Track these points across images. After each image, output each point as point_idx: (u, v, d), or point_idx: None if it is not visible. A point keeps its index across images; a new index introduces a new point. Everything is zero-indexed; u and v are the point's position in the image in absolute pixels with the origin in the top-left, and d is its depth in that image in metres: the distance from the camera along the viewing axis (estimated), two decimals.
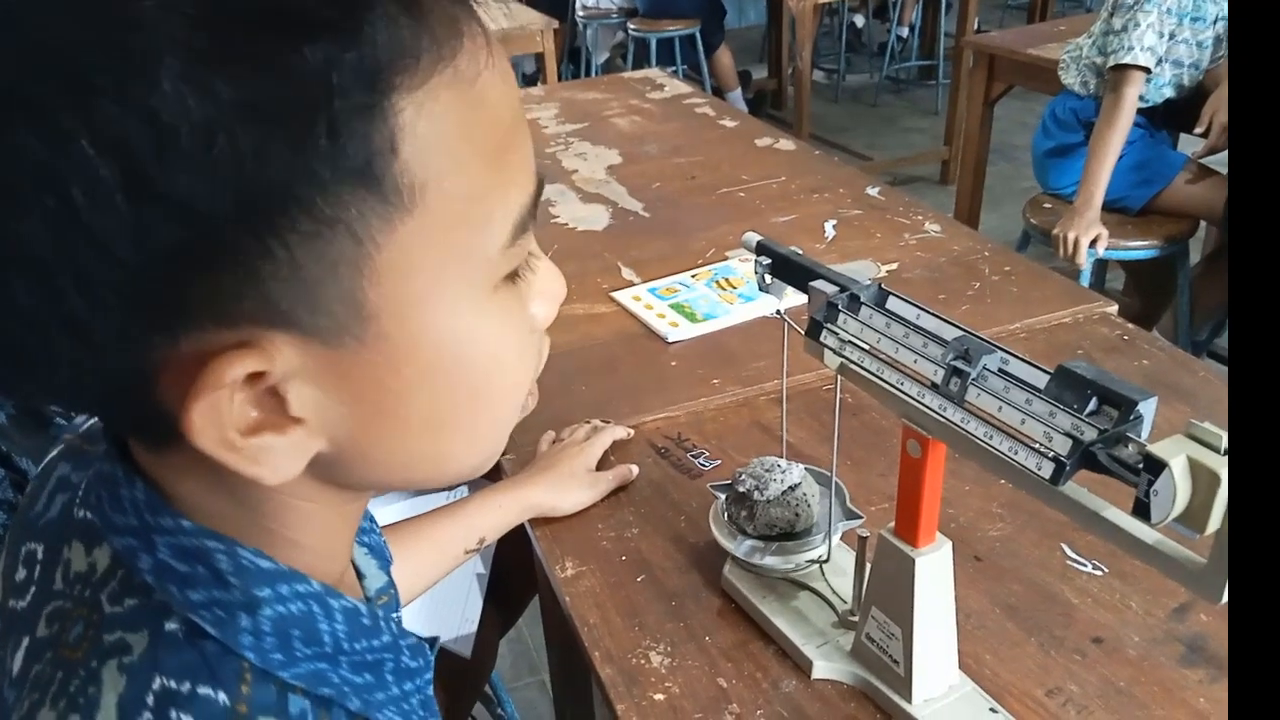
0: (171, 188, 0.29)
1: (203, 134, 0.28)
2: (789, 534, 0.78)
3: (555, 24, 3.30)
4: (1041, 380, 0.52)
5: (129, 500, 0.39)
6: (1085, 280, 2.21)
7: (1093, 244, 2.15)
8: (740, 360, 1.13)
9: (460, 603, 1.12)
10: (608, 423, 1.01)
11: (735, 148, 1.80)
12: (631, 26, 4.53)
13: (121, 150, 0.28)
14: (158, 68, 0.28)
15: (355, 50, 0.30)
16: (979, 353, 0.54)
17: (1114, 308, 1.20)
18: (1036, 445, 0.51)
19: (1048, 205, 2.40)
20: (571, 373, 1.13)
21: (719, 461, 0.97)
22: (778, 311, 0.72)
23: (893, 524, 0.66)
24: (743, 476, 0.79)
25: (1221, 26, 2.13)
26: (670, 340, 1.18)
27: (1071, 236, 2.15)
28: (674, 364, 1.14)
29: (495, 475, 0.99)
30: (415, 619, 1.07)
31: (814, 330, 0.65)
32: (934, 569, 0.66)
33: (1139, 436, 0.47)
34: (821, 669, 0.73)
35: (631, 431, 1.01)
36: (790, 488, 0.78)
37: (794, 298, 0.69)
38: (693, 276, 1.32)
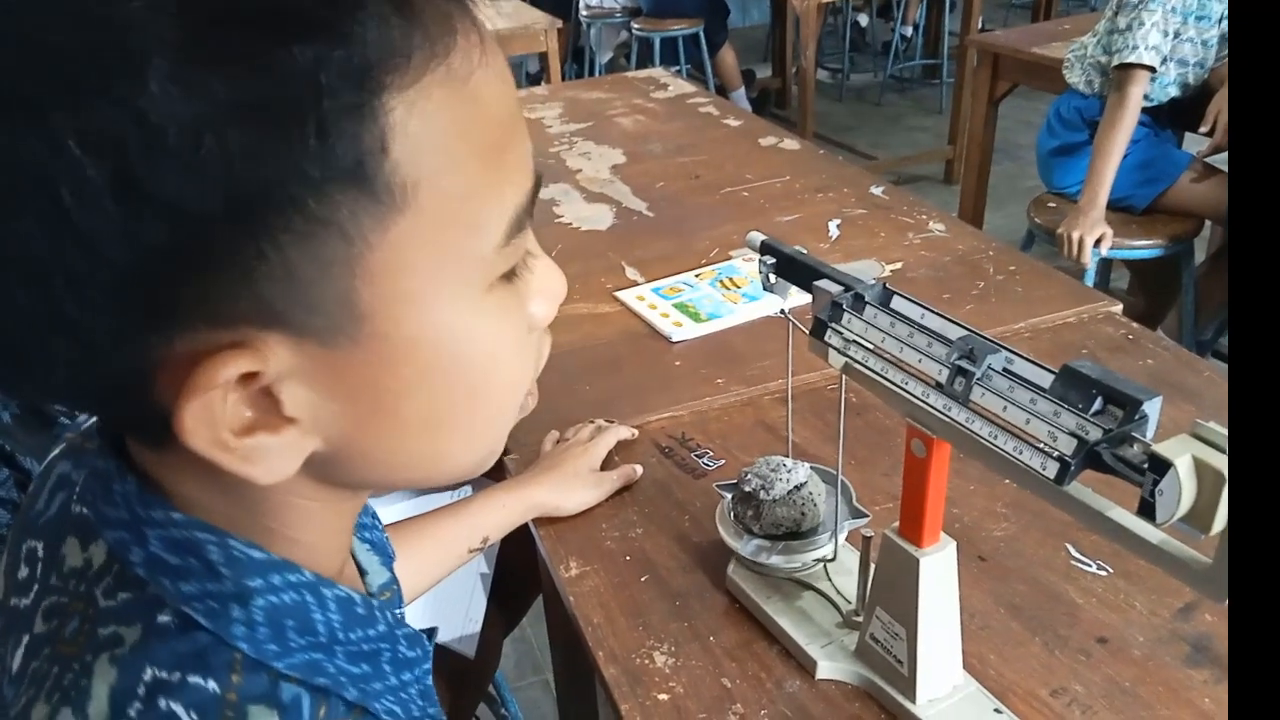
0: (160, 188, 0.29)
1: (191, 134, 0.28)
2: (795, 533, 0.78)
3: (559, 23, 3.30)
4: (1046, 380, 0.52)
5: (120, 494, 0.39)
6: (1090, 280, 2.21)
7: (1097, 243, 2.15)
8: (744, 360, 1.13)
9: (464, 602, 1.12)
10: (612, 422, 1.01)
11: (739, 147, 1.80)
12: (635, 26, 4.53)
13: (109, 150, 0.28)
14: (145, 68, 0.28)
15: (344, 49, 0.30)
16: (984, 352, 0.54)
17: (1119, 307, 1.20)
18: (1041, 445, 0.51)
19: (1052, 204, 2.40)
20: (575, 372, 1.13)
21: (723, 461, 0.97)
22: (782, 311, 0.72)
23: (897, 524, 0.66)
24: (748, 476, 0.79)
25: (1226, 25, 2.12)
26: (674, 340, 1.18)
27: (1076, 236, 2.15)
28: (678, 364, 1.14)
29: (499, 475, 0.99)
30: (419, 618, 1.07)
31: (818, 330, 0.65)
32: (938, 569, 0.66)
33: (1144, 436, 0.47)
34: (826, 669, 0.73)
35: (636, 431, 1.01)
36: (796, 487, 0.78)
37: (798, 297, 0.69)
38: (697, 276, 1.32)
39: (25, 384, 0.36)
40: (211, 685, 0.36)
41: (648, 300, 1.26)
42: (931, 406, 0.58)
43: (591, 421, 1.02)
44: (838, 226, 1.45)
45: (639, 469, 0.95)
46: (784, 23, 4.94)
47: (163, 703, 0.36)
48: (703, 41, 4.49)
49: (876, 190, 1.56)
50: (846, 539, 0.81)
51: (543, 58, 3.38)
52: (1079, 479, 0.51)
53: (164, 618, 0.38)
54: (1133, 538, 0.50)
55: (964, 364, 0.55)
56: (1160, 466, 0.45)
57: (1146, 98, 2.13)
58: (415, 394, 0.37)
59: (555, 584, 0.86)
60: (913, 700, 0.68)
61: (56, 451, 0.48)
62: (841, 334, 0.63)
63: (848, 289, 0.63)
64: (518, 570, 1.16)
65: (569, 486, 0.91)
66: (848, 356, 0.63)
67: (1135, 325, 1.16)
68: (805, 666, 0.74)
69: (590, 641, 0.78)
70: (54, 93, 0.28)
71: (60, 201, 0.28)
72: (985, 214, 3.19)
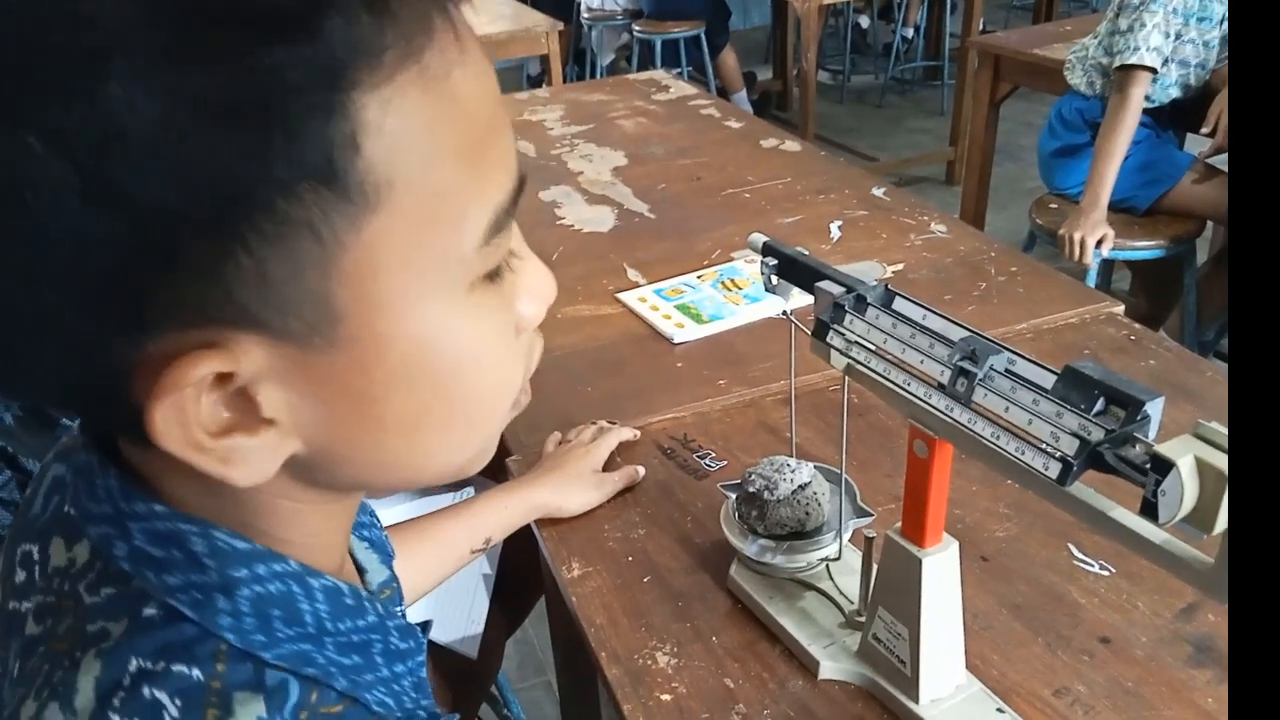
0: (124, 189, 0.28)
1: (154, 134, 0.28)
2: (799, 533, 0.78)
3: (560, 26, 3.30)
4: (1048, 380, 0.52)
5: (103, 489, 0.39)
6: (1092, 281, 2.21)
7: (1099, 244, 2.14)
8: (746, 361, 1.13)
9: (466, 604, 1.12)
10: (614, 424, 1.01)
11: (740, 149, 1.80)
12: (636, 28, 4.53)
13: (72, 151, 0.28)
14: (106, 67, 0.28)
15: (312, 47, 0.30)
16: (986, 353, 0.54)
17: (1120, 308, 1.20)
18: (1043, 445, 0.51)
19: (1054, 205, 2.40)
20: (577, 374, 1.13)
21: (725, 462, 0.97)
22: (784, 312, 0.72)
23: (899, 524, 0.66)
24: (752, 476, 0.79)
25: (1228, 26, 2.12)
26: (676, 341, 1.18)
27: (1078, 237, 2.15)
28: (680, 365, 1.14)
29: (501, 476, 0.99)
30: (420, 618, 1.07)
31: (820, 331, 0.65)
32: (941, 569, 0.66)
33: (1146, 436, 0.47)
34: (828, 669, 0.73)
35: (638, 433, 1.01)
36: (800, 487, 0.78)
37: (800, 298, 0.69)
38: (698, 277, 1.32)
39: (6, 382, 0.35)
40: (196, 673, 0.36)
41: (649, 302, 1.26)
42: (934, 407, 0.58)
43: (594, 423, 1.02)
44: (839, 228, 1.45)
45: (641, 470, 0.95)
46: (785, 25, 4.94)
47: (147, 691, 0.36)
48: (704, 43, 4.48)
49: (878, 192, 1.57)
50: (849, 539, 0.81)
51: (544, 60, 3.38)
52: (1081, 479, 0.51)
53: (149, 610, 0.38)
54: (1135, 538, 0.50)
55: (966, 365, 0.55)
56: (1162, 467, 0.45)
57: (1148, 99, 2.13)
58: (395, 395, 0.37)
59: (557, 585, 0.86)
60: (916, 700, 0.68)
61: (50, 455, 0.48)
62: (843, 335, 0.63)
63: (850, 290, 0.63)
64: (520, 571, 1.16)
65: (571, 488, 0.91)
66: (850, 358, 0.63)
67: (1137, 326, 1.16)
68: (808, 667, 0.74)
69: (593, 642, 0.78)
70: (17, 92, 0.28)
71: (26, 202, 0.28)
72: (987, 215, 3.19)
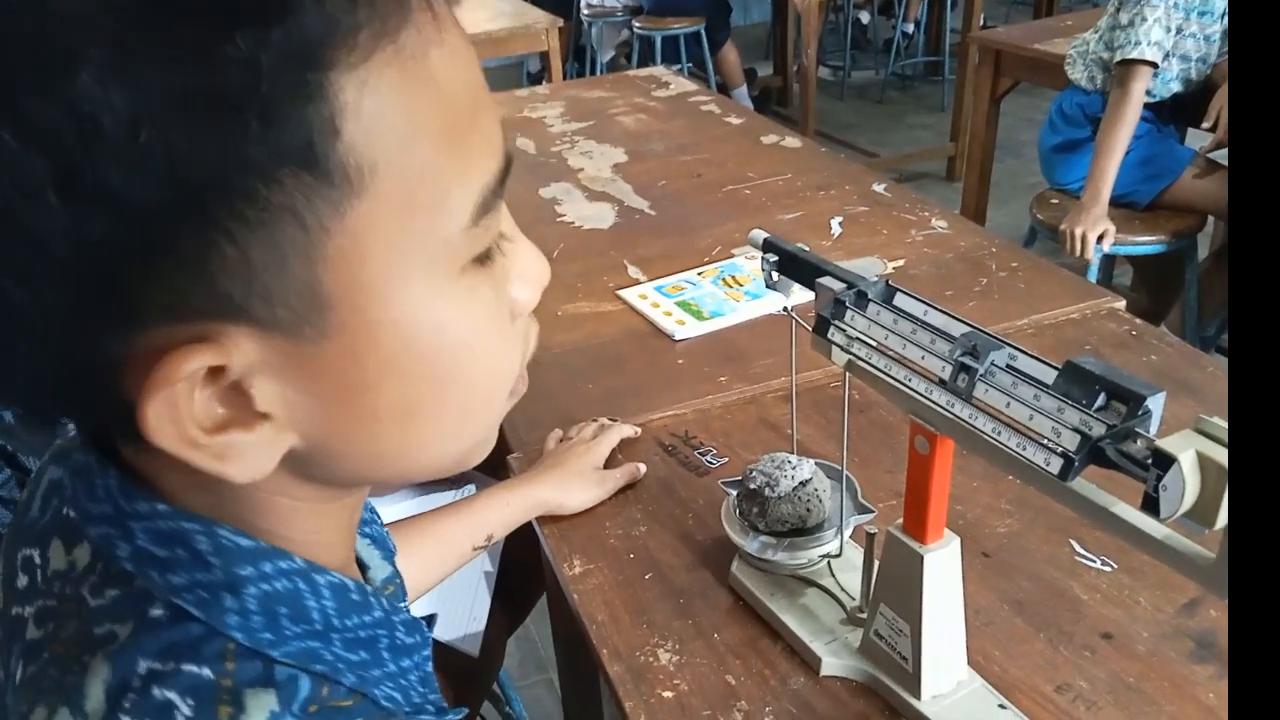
0: (101, 182, 0.28)
1: (127, 126, 0.28)
2: (800, 530, 0.78)
3: (560, 22, 3.30)
4: (1049, 376, 0.52)
5: (103, 488, 0.39)
6: (1093, 276, 2.21)
7: (1100, 239, 2.14)
8: (747, 358, 1.13)
9: (468, 601, 1.12)
10: (615, 421, 1.01)
11: (741, 145, 1.80)
12: (636, 24, 4.52)
13: (47, 145, 0.28)
14: (77, 60, 0.27)
15: (282, 28, 0.29)
16: (987, 348, 0.54)
17: (1122, 303, 1.20)
18: (1045, 441, 0.51)
19: (1055, 201, 2.39)
20: (578, 371, 1.13)
21: (726, 459, 0.97)
22: (785, 309, 0.72)
23: (901, 521, 0.66)
24: (753, 473, 0.79)
25: (1228, 21, 2.12)
26: (677, 338, 1.18)
27: (1079, 232, 2.14)
28: (681, 362, 1.14)
29: (502, 473, 0.99)
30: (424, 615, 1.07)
31: (821, 327, 0.65)
32: (942, 565, 0.66)
33: (1147, 431, 0.47)
34: (830, 666, 0.73)
35: (639, 430, 1.01)
36: (801, 483, 0.78)
37: (801, 295, 0.69)
38: (699, 274, 1.32)
39: None
40: (206, 672, 0.36)
41: (650, 299, 1.26)
42: (935, 403, 0.58)
43: (595, 420, 1.02)
44: (840, 224, 1.45)
45: (642, 467, 0.95)
46: (785, 20, 4.94)
47: (157, 692, 0.35)
48: (704, 39, 4.48)
49: (878, 188, 1.56)
50: (850, 536, 0.81)
51: (544, 57, 3.38)
52: (1083, 475, 0.51)
53: (155, 611, 0.37)
54: (1137, 533, 0.50)
55: (967, 360, 0.55)
56: (1164, 462, 0.45)
57: (1149, 93, 2.13)
58: (389, 384, 0.36)
59: (559, 582, 0.86)
60: (917, 697, 0.68)
61: (46, 456, 0.48)
62: (844, 331, 0.63)
63: (850, 286, 0.63)
64: (521, 569, 1.17)
65: (572, 485, 0.91)
66: (851, 354, 0.63)
67: (1138, 321, 1.16)
68: (809, 663, 0.74)
69: (594, 639, 0.78)
70: None
71: (2, 197, 0.28)
72: (988, 211, 3.19)
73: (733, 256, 1.37)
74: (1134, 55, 2.06)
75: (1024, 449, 0.52)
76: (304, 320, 0.33)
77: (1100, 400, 0.49)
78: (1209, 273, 2.40)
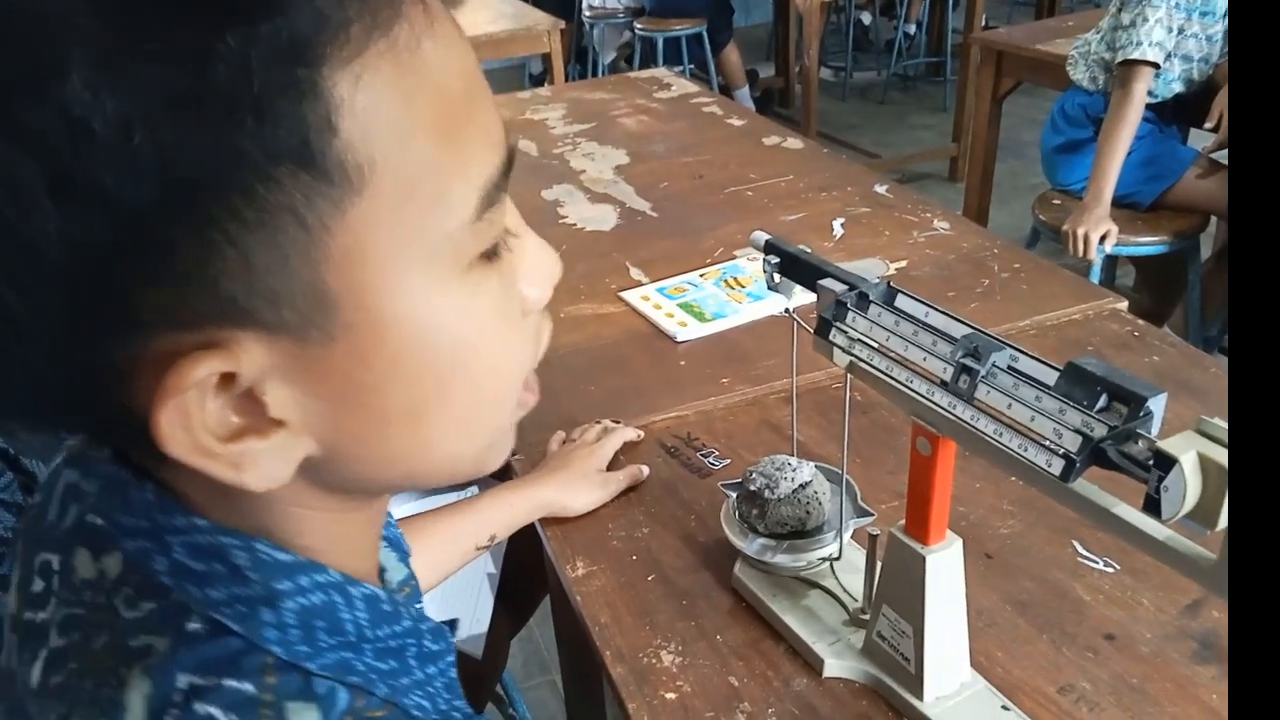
0: (95, 185, 0.28)
1: (119, 128, 0.28)
2: (800, 532, 0.78)
3: (562, 24, 3.30)
4: (1051, 377, 0.52)
5: (139, 502, 0.39)
6: (1095, 276, 2.21)
7: (1102, 240, 2.14)
8: (749, 359, 1.13)
9: (471, 603, 1.12)
10: (618, 423, 1.01)
11: (743, 146, 1.80)
12: (638, 26, 4.52)
13: (39, 148, 0.28)
14: (66, 62, 0.27)
15: (271, 24, 0.29)
16: (988, 350, 0.54)
17: (1124, 304, 1.20)
18: (1046, 442, 0.51)
19: (1057, 201, 2.39)
20: (581, 373, 1.13)
21: (728, 460, 0.97)
22: (787, 310, 0.72)
23: (903, 522, 0.66)
24: (753, 475, 0.79)
25: (1228, 21, 2.12)
26: (679, 340, 1.18)
27: (1081, 233, 2.14)
28: (683, 363, 1.14)
29: (506, 475, 0.99)
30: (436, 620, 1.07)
31: (823, 329, 0.65)
32: (944, 567, 0.66)
33: (1149, 433, 0.47)
34: (833, 667, 0.73)
35: (641, 434, 1.01)
36: (801, 486, 0.78)
37: (803, 296, 0.69)
38: (701, 276, 1.32)
39: (2, 398, 0.34)
40: (248, 687, 0.36)
41: (652, 300, 1.26)
42: (936, 404, 0.58)
43: (598, 422, 1.02)
44: (842, 225, 1.45)
45: (645, 469, 0.95)
46: (786, 22, 4.94)
47: (199, 708, 0.35)
48: (706, 41, 4.48)
49: (880, 189, 1.56)
50: (852, 537, 0.81)
51: (546, 59, 3.38)
52: (1084, 476, 0.51)
53: (193, 625, 0.37)
54: (1139, 534, 0.50)
55: (969, 362, 0.55)
56: (1165, 463, 0.45)
57: (1151, 94, 2.13)
58: (398, 384, 0.36)
59: (562, 584, 0.86)
60: (920, 698, 0.69)
61: (59, 459, 0.47)
62: (846, 333, 0.63)
63: (852, 288, 0.63)
64: (525, 570, 1.17)
65: (576, 486, 0.91)
66: (852, 355, 0.63)
67: (1140, 322, 1.16)
68: (812, 665, 0.74)
69: (597, 641, 0.78)
70: None
71: None
72: (990, 211, 3.19)
73: (735, 258, 1.37)
74: (1136, 56, 2.06)
75: (1025, 450, 0.52)
76: (310, 322, 0.33)
77: (1102, 401, 0.49)
78: (1211, 273, 2.40)
